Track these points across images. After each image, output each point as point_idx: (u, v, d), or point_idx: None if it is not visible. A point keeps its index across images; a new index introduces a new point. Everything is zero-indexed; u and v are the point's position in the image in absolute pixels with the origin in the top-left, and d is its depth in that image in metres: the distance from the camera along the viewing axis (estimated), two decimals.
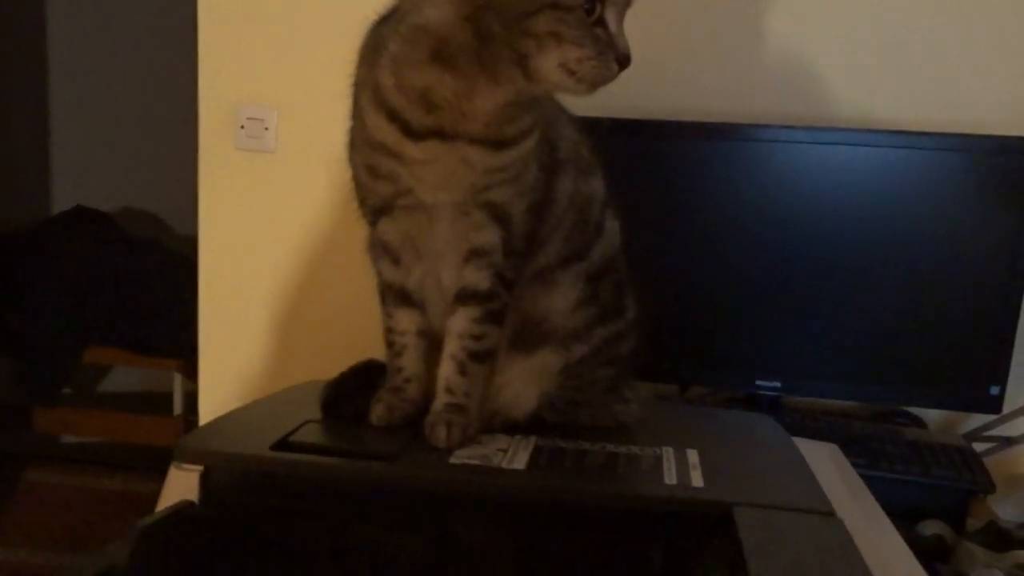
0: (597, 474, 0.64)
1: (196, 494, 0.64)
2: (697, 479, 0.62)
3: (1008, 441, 1.38)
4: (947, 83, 1.47)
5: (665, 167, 1.42)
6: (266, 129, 1.69)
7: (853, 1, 1.48)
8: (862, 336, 1.39)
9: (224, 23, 1.68)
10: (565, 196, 0.76)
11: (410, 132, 0.69)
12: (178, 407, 3.04)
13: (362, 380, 0.80)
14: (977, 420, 1.46)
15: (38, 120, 3.34)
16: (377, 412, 0.74)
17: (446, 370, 0.73)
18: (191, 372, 3.03)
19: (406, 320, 0.77)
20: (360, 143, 0.74)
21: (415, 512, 0.63)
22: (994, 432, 1.41)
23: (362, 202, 0.78)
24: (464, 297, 0.73)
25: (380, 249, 0.77)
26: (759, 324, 1.42)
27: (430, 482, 0.63)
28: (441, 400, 0.73)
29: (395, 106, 0.70)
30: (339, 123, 1.73)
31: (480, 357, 0.73)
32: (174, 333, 3.11)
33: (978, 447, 1.37)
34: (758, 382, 1.42)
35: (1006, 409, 1.35)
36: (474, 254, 0.73)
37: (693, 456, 0.66)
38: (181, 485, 0.64)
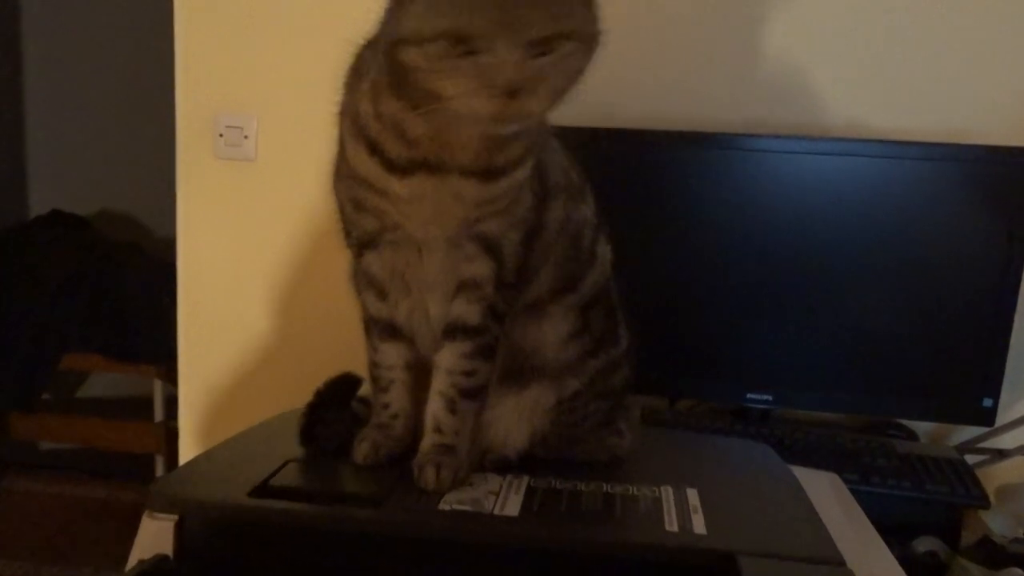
0: (594, 519, 0.61)
1: (167, 544, 0.60)
2: (699, 524, 0.60)
3: (1001, 454, 1.37)
4: (936, 93, 1.45)
5: (654, 177, 1.39)
6: (246, 137, 1.65)
7: (844, 12, 1.46)
8: (853, 348, 1.37)
9: (201, 29, 1.64)
10: (556, 223, 0.73)
11: (392, 167, 0.66)
12: (159, 413, 3.00)
13: (339, 398, 0.77)
14: (968, 432, 1.44)
15: (14, 123, 3.28)
16: (363, 451, 0.71)
17: (435, 408, 0.70)
18: (172, 377, 2.98)
19: (393, 354, 0.73)
20: (344, 174, 0.71)
21: (404, 560, 0.60)
22: (986, 444, 1.39)
23: (347, 234, 0.74)
24: (453, 331, 0.70)
25: (364, 281, 0.74)
26: (750, 337, 1.39)
27: (419, 529, 0.60)
28: (430, 440, 0.69)
29: (375, 137, 0.66)
30: (321, 131, 1.70)
31: (471, 394, 0.70)
32: (154, 338, 3.07)
33: (970, 459, 1.35)
34: (749, 395, 1.40)
35: (999, 422, 1.34)
36: (465, 286, 0.70)
37: (693, 496, 0.64)
38: (155, 535, 0.60)
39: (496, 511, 0.62)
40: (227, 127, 1.65)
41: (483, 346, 0.70)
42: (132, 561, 0.61)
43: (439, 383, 0.70)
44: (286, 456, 0.70)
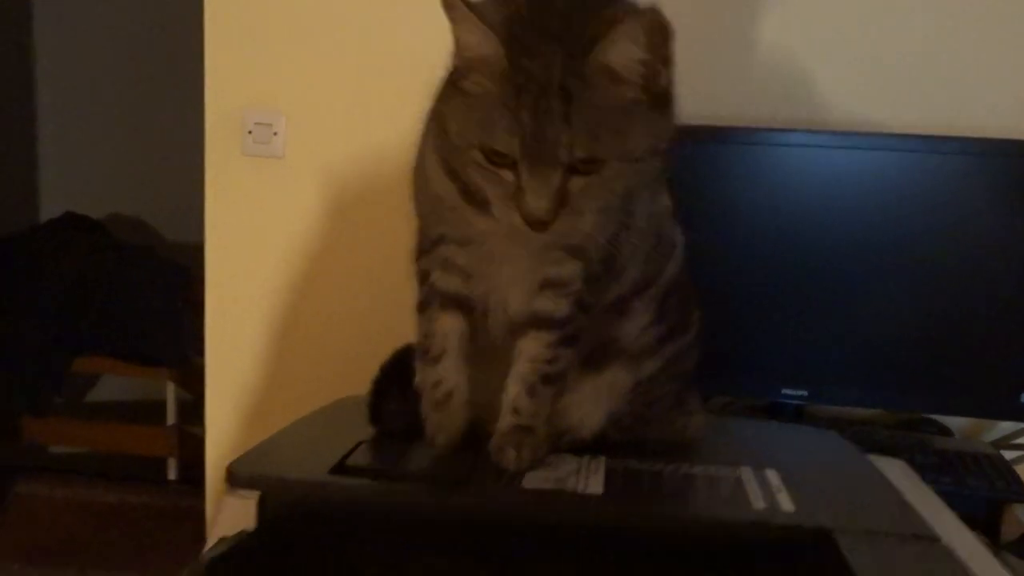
0: (679, 498, 0.61)
1: (248, 521, 0.59)
2: (786, 502, 0.59)
3: None
4: (963, 88, 1.45)
5: (681, 172, 1.39)
6: (275, 134, 1.64)
7: (875, 4, 1.47)
8: (889, 343, 1.37)
9: (230, 26, 1.64)
10: (643, 219, 0.71)
11: (470, 196, 0.64)
12: (172, 416, 2.99)
13: (404, 373, 0.75)
14: (1000, 429, 1.44)
15: (26, 125, 3.28)
16: (429, 434, 0.69)
17: (514, 392, 0.69)
18: (185, 380, 2.99)
19: (451, 324, 0.72)
20: (421, 183, 0.69)
21: (489, 538, 0.60)
22: (1021, 440, 1.39)
23: (424, 224, 0.73)
24: (538, 322, 0.69)
25: (439, 262, 0.72)
26: (784, 333, 1.39)
27: (506, 508, 0.59)
28: (508, 421, 0.68)
29: (455, 163, 0.64)
30: (350, 128, 1.69)
31: (552, 379, 0.69)
32: (167, 341, 3.07)
33: (1006, 455, 1.35)
34: (784, 391, 1.39)
35: None
36: (551, 284, 0.69)
37: (774, 477, 0.63)
38: (235, 512, 0.60)
39: (580, 490, 0.61)
40: (256, 124, 1.64)
41: (567, 336, 0.69)
42: (212, 538, 0.61)
43: (521, 368, 0.69)
44: (355, 437, 0.69)
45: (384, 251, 1.67)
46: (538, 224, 0.58)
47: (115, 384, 3.26)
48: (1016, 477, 1.26)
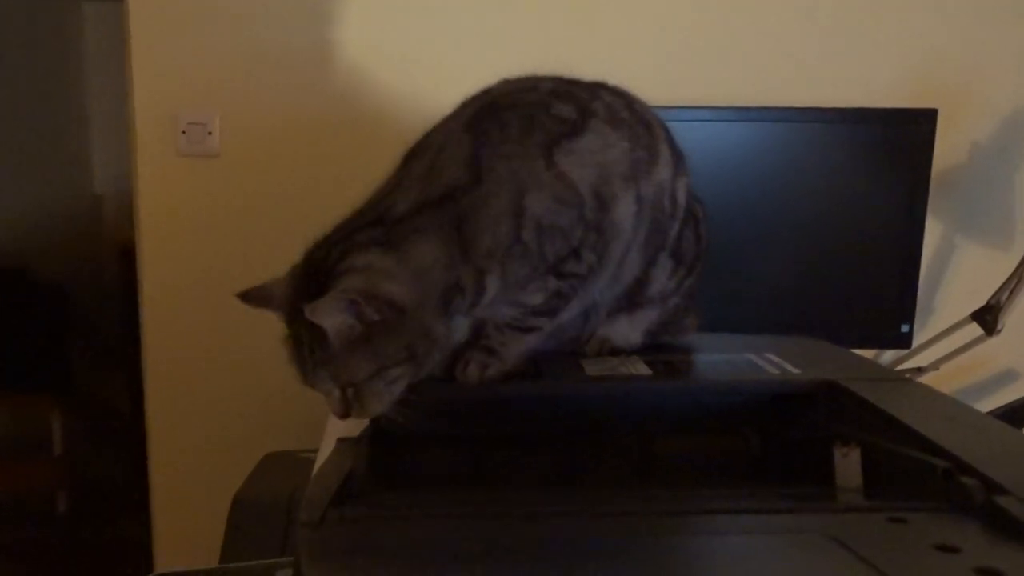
0: (712, 372, 0.75)
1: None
2: (793, 369, 0.74)
3: (920, 371, 1.60)
4: (829, 65, 1.71)
5: None
6: (209, 134, 1.68)
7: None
8: (785, 292, 1.59)
9: (156, 28, 1.66)
10: (628, 219, 0.79)
11: None
12: (58, 446, 2.88)
13: None
14: (885, 359, 1.68)
15: None
16: (472, 374, 0.75)
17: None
18: (69, 407, 2.88)
19: None
20: None
21: (564, 418, 0.72)
22: (907, 365, 1.63)
23: None
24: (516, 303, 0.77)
25: None
26: (708, 287, 1.57)
27: (581, 389, 0.72)
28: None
29: None
30: (284, 124, 1.73)
31: (520, 328, 0.77)
32: (48, 367, 2.95)
33: None
34: None
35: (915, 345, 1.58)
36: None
37: (775, 357, 0.78)
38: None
39: (633, 374, 0.74)
40: (189, 124, 1.67)
41: (538, 310, 0.77)
42: (327, 441, 0.69)
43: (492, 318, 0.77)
44: None
45: None
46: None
47: None
48: None
